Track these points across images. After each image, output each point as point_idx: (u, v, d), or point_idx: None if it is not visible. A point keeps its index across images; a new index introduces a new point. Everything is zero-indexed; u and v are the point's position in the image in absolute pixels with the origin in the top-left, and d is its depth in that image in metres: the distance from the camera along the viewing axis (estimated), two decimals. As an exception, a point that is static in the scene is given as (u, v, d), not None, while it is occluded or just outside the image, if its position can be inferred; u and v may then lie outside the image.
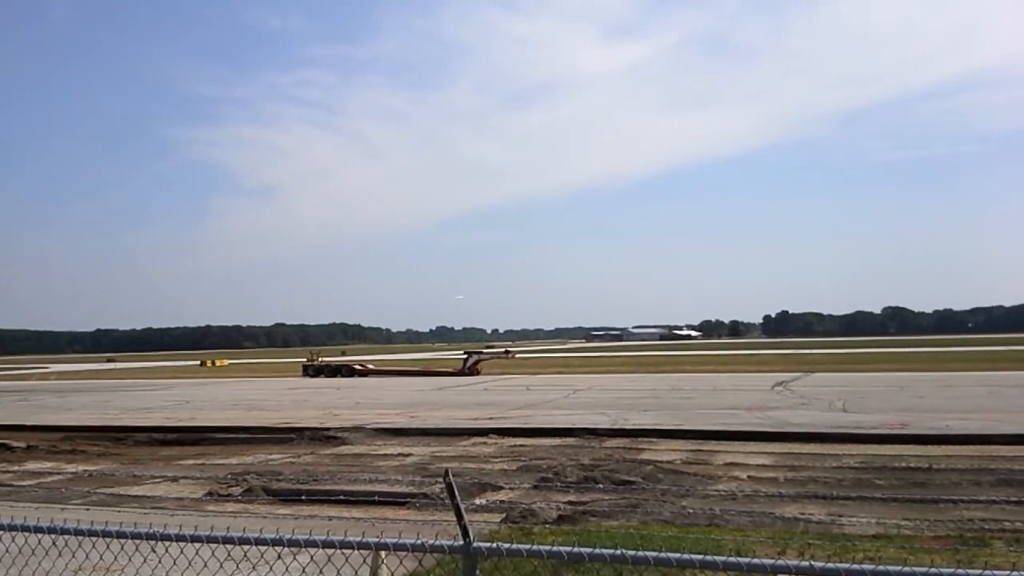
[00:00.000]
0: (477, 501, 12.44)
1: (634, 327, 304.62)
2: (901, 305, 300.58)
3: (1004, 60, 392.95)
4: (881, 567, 3.66)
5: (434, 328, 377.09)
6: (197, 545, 4.90)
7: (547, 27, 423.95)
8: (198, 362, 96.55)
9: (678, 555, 3.82)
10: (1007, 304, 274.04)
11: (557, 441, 19.11)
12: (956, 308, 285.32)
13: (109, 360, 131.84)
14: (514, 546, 4.34)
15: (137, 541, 5.00)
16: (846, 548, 8.25)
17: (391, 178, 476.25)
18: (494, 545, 4.39)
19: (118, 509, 11.92)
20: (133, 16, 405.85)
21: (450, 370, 55.30)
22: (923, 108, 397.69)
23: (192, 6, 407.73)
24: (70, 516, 7.59)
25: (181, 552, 5.09)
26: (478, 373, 52.87)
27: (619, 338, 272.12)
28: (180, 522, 9.69)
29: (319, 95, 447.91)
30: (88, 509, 11.98)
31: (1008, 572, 4.58)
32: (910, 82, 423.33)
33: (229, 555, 5.36)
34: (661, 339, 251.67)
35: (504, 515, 11.25)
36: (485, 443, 19.25)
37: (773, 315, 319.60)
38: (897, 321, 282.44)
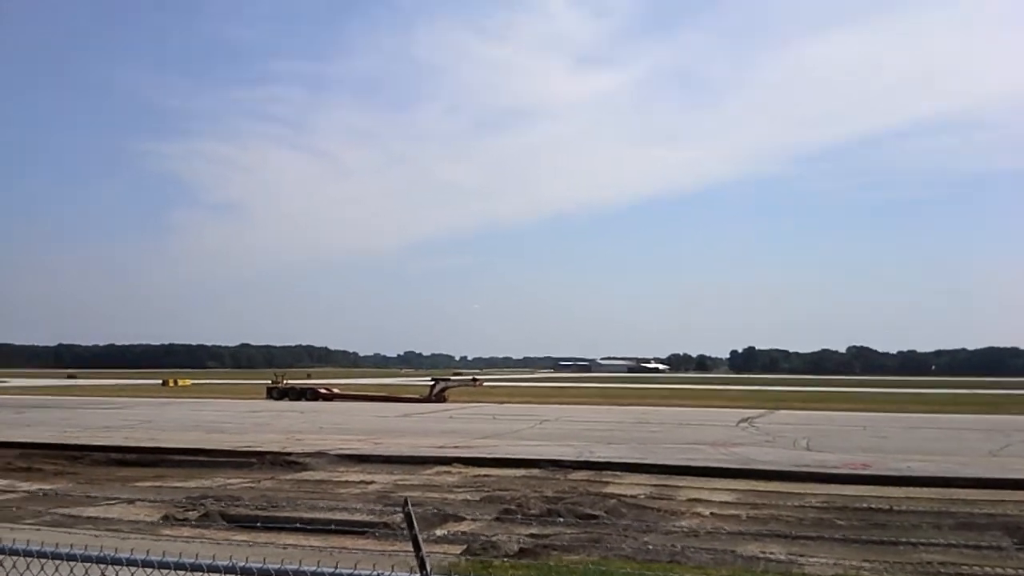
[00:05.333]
0: (438, 532, 12.33)
1: (602, 358, 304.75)
2: (866, 345, 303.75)
3: (974, 103, 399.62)
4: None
5: (402, 353, 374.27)
6: (148, 570, 4.81)
7: (518, 54, 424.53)
8: (160, 381, 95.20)
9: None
10: (970, 347, 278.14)
11: (522, 472, 19.02)
12: (920, 350, 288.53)
13: (70, 376, 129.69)
14: (472, 581, 4.29)
15: (88, 564, 4.91)
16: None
17: (360, 199, 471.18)
18: (452, 579, 4.34)
19: (71, 531, 11.65)
20: (93, 25, 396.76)
21: (416, 396, 55.03)
22: (889, 149, 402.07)
23: (156, 17, 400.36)
24: (21, 536, 7.42)
25: (131, 576, 4.99)
26: (445, 400, 52.65)
27: (587, 369, 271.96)
28: (133, 546, 9.52)
29: (287, 111, 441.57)
30: (39, 529, 11.72)
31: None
32: (877, 122, 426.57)
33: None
34: (629, 371, 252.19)
35: (465, 547, 11.14)
36: (449, 472, 19.11)
37: (740, 351, 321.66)
38: (862, 360, 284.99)
